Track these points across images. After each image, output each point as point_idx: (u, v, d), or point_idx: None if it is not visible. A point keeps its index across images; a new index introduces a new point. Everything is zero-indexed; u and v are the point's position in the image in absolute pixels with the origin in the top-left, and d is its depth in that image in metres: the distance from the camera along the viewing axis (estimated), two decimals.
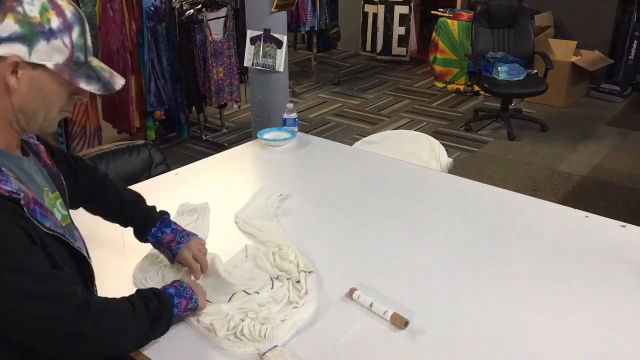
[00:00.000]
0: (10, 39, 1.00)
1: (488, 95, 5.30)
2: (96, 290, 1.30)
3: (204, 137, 4.68)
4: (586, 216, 1.79)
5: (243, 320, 1.29)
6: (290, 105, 2.43)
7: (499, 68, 4.70)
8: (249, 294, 1.39)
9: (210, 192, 1.95)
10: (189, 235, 1.48)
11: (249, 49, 3.22)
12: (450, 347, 1.26)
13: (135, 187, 2.01)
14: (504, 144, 4.61)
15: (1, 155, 1.06)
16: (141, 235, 1.48)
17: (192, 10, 4.18)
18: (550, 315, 1.35)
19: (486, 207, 1.86)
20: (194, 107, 4.54)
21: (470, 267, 1.54)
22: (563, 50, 5.24)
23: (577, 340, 1.27)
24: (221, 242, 1.65)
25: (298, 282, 1.44)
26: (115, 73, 1.16)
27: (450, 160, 2.70)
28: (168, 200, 1.89)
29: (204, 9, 4.20)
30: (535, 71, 4.84)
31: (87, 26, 1.10)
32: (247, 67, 3.39)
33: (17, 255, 1.00)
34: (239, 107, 4.76)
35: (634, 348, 1.25)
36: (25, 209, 1.04)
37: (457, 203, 1.89)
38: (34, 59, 1.03)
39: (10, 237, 1.00)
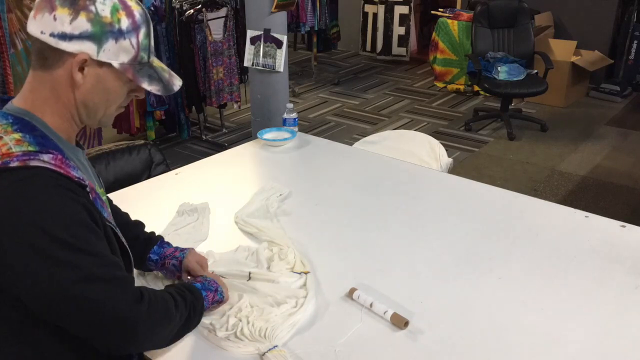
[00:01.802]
0: (82, 36, 1.03)
1: (488, 95, 5.31)
2: None
3: (204, 137, 4.68)
4: (586, 216, 1.79)
5: (241, 320, 1.30)
6: (290, 105, 2.43)
7: (499, 68, 4.70)
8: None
9: (210, 192, 1.95)
10: (186, 249, 1.49)
11: (249, 49, 3.22)
12: (450, 347, 1.26)
13: (135, 187, 2.02)
14: (504, 144, 4.61)
15: (63, 144, 1.09)
16: (144, 253, 1.45)
17: (192, 10, 4.18)
18: (550, 314, 1.35)
19: (486, 207, 1.86)
20: (194, 107, 4.54)
21: (470, 267, 1.54)
22: (563, 50, 5.24)
23: (577, 340, 1.27)
24: (221, 242, 1.65)
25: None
26: (173, 74, 1.18)
27: (450, 160, 2.70)
28: (168, 200, 1.89)
29: (204, 9, 4.20)
30: (535, 71, 4.84)
31: (152, 27, 1.13)
32: (247, 67, 3.39)
33: (86, 236, 1.02)
34: (239, 107, 4.76)
35: (634, 348, 1.25)
36: (90, 195, 1.08)
37: (457, 203, 1.89)
38: (102, 57, 1.06)
39: (81, 219, 1.02)
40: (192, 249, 1.48)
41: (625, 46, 5.68)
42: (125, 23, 1.06)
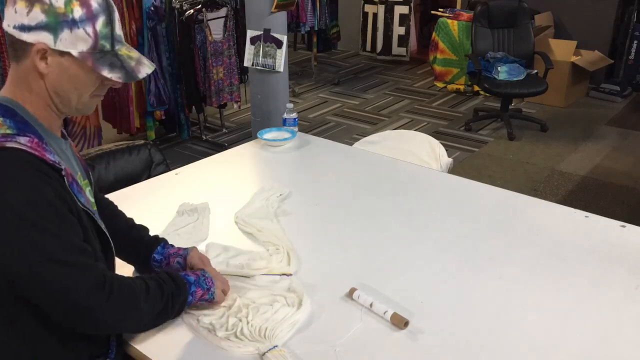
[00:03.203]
0: (38, 27, 1.08)
1: (488, 95, 5.31)
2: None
3: (204, 137, 4.68)
4: (586, 216, 1.79)
5: (241, 320, 1.30)
6: (290, 105, 2.43)
7: (499, 68, 4.70)
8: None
9: (210, 192, 1.95)
10: (189, 247, 1.49)
11: (249, 49, 3.22)
12: (450, 347, 1.26)
13: (135, 187, 2.03)
14: (504, 144, 4.61)
15: (44, 132, 1.14)
16: (147, 254, 1.45)
17: (192, 10, 4.18)
18: (550, 314, 1.35)
19: (486, 207, 1.86)
20: (194, 107, 4.54)
21: (470, 267, 1.54)
22: (563, 50, 5.24)
23: (577, 340, 1.27)
24: (221, 242, 1.65)
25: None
26: (144, 61, 1.19)
27: (450, 160, 2.70)
28: (168, 200, 1.89)
29: (204, 9, 4.20)
30: (535, 71, 4.84)
31: (115, 15, 1.15)
32: (247, 67, 3.39)
33: (54, 220, 1.06)
34: (239, 107, 4.75)
35: (634, 348, 1.25)
36: (65, 180, 1.11)
37: (457, 203, 1.89)
38: (59, 46, 1.09)
39: (51, 201, 1.06)
40: (195, 247, 1.49)
41: (625, 46, 5.68)
42: (78, 12, 1.09)
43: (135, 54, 1.18)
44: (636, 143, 4.60)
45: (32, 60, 1.10)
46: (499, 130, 4.87)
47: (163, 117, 4.42)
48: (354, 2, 6.85)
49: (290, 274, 1.49)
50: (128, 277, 1.21)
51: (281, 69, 3.21)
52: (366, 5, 6.74)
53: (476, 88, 5.52)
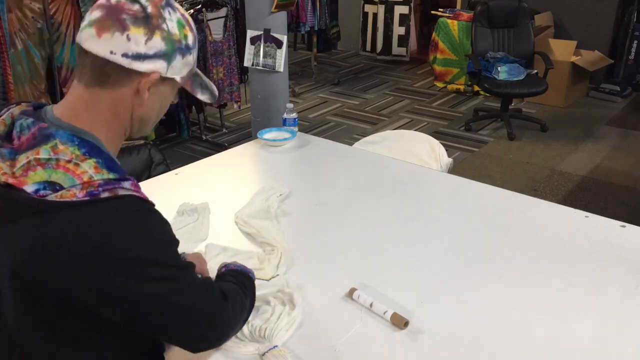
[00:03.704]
0: (156, 56, 1.02)
1: (488, 95, 5.31)
2: None
3: (204, 137, 4.68)
4: (586, 216, 1.79)
5: None
6: (290, 105, 2.43)
7: (499, 68, 4.70)
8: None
9: (210, 192, 1.95)
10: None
11: (249, 49, 3.22)
12: (450, 347, 1.26)
13: None
14: (504, 144, 4.61)
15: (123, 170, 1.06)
16: None
17: (192, 10, 4.18)
18: (550, 315, 1.35)
19: (486, 207, 1.86)
20: (194, 107, 4.54)
21: (470, 267, 1.54)
22: (563, 50, 5.24)
23: (577, 340, 1.27)
24: (221, 242, 1.65)
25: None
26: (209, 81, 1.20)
27: (450, 160, 2.70)
28: (168, 200, 1.89)
29: (204, 9, 4.20)
30: (535, 71, 4.84)
31: None
32: (247, 67, 3.39)
33: (175, 252, 1.04)
34: (239, 107, 4.75)
35: (634, 348, 1.25)
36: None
37: (457, 203, 1.89)
38: (169, 74, 1.06)
39: (171, 236, 1.03)
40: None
41: (625, 46, 5.68)
42: (190, 39, 1.08)
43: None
44: (636, 143, 4.60)
45: (134, 88, 1.03)
46: (499, 130, 4.87)
47: (163, 117, 4.40)
48: (354, 2, 6.85)
49: (269, 279, 1.47)
50: (223, 284, 1.21)
51: (281, 69, 3.21)
52: (366, 5, 6.74)
53: (476, 88, 5.52)
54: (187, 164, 2.22)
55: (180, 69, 1.07)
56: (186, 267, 1.06)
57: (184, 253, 1.44)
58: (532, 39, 4.92)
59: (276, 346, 1.22)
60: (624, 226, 1.72)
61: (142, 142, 2.32)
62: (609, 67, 5.65)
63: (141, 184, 2.03)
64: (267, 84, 3.30)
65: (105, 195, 0.94)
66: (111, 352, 1.08)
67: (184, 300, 1.02)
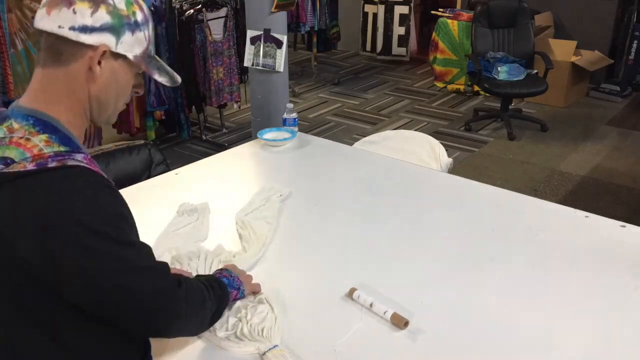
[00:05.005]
0: (102, 28, 1.05)
1: (488, 95, 5.30)
2: None
3: (204, 137, 4.68)
4: (586, 216, 1.79)
5: (241, 320, 1.30)
6: (290, 105, 2.43)
7: (499, 68, 4.70)
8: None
9: (210, 192, 1.95)
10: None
11: (249, 49, 3.22)
12: (450, 347, 1.26)
13: (135, 187, 2.02)
14: (504, 144, 4.61)
15: (86, 151, 1.09)
16: None
17: (192, 10, 4.18)
18: (550, 314, 1.35)
19: (486, 207, 1.86)
20: (194, 107, 4.54)
21: (470, 267, 1.54)
22: (563, 50, 5.24)
23: (577, 340, 1.27)
24: (221, 242, 1.65)
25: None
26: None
27: (450, 160, 2.70)
28: (168, 200, 1.89)
29: (204, 9, 4.20)
30: (535, 71, 4.84)
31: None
32: (247, 67, 3.39)
33: (127, 229, 1.04)
34: (239, 107, 4.75)
35: (634, 348, 1.25)
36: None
37: (457, 203, 1.89)
38: (120, 49, 1.07)
39: (121, 212, 1.04)
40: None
41: (625, 46, 5.68)
42: (139, 16, 1.09)
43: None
44: (636, 143, 4.60)
45: (86, 63, 1.05)
46: (499, 130, 4.87)
47: (163, 117, 4.42)
48: (354, 2, 6.85)
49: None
50: (188, 278, 1.21)
51: (281, 69, 3.21)
52: (366, 5, 6.74)
53: (476, 88, 5.52)
54: (187, 164, 2.22)
55: (131, 45, 1.08)
56: (133, 245, 1.05)
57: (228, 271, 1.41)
58: (532, 39, 4.92)
59: (276, 346, 1.22)
60: (624, 226, 1.72)
61: (142, 142, 2.32)
62: (609, 67, 5.65)
63: (141, 184, 2.06)
64: (267, 84, 3.30)
65: (53, 164, 0.98)
66: (87, 341, 1.07)
67: (129, 279, 1.02)
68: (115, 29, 1.06)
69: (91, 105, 1.11)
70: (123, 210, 1.05)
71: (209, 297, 1.20)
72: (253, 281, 1.43)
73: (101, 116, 1.14)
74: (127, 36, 1.07)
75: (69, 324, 1.04)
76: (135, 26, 1.08)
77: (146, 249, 1.08)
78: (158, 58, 1.18)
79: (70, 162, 1.00)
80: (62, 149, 1.01)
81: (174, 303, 1.09)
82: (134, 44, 1.09)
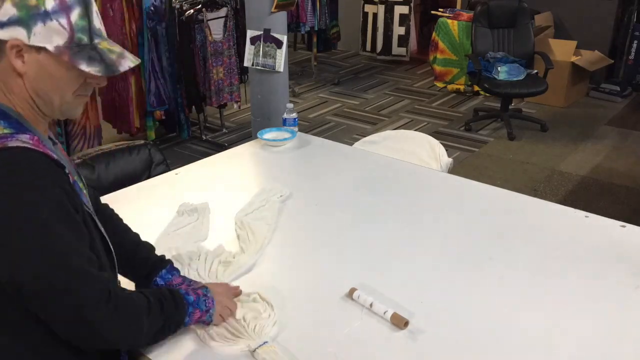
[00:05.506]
0: (10, 22, 1.02)
1: (488, 95, 5.30)
2: (119, 282, 1.29)
3: (204, 137, 4.67)
4: (586, 216, 1.79)
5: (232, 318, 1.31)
6: (290, 105, 2.43)
7: (499, 68, 4.70)
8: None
9: (210, 192, 1.95)
10: (196, 282, 1.41)
11: (249, 49, 3.22)
12: (450, 347, 1.26)
13: (135, 187, 2.02)
14: (504, 144, 4.60)
15: (38, 133, 1.09)
16: (150, 274, 1.38)
17: (192, 10, 4.18)
18: (550, 314, 1.35)
19: (486, 207, 1.86)
20: (194, 107, 4.54)
21: (470, 267, 1.54)
22: (563, 50, 5.24)
23: (577, 340, 1.27)
24: (221, 242, 1.64)
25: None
26: (127, 55, 1.13)
27: (450, 160, 2.70)
28: (168, 200, 1.89)
29: (204, 9, 4.20)
30: (535, 71, 4.83)
31: (93, 8, 1.09)
32: (247, 67, 3.39)
33: (64, 223, 1.02)
34: (239, 107, 4.75)
35: (634, 348, 1.25)
36: (69, 177, 1.08)
37: (457, 203, 1.89)
38: (34, 41, 1.04)
39: (61, 202, 1.03)
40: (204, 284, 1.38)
41: (625, 46, 5.68)
42: (50, 4, 1.03)
43: (117, 48, 1.12)
44: (636, 143, 4.60)
45: (8, 58, 1.04)
46: (499, 130, 4.87)
47: (163, 117, 4.42)
48: (354, 2, 6.85)
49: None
50: (131, 292, 1.17)
51: (281, 69, 3.21)
52: (366, 5, 6.74)
53: (476, 88, 5.52)
54: (187, 164, 2.22)
55: (46, 36, 1.04)
56: (68, 243, 1.01)
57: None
58: (532, 39, 4.92)
59: (266, 342, 1.23)
60: (624, 226, 1.72)
61: (142, 142, 2.32)
62: (609, 67, 5.65)
63: (141, 184, 2.06)
64: (267, 84, 3.30)
65: None
66: (44, 342, 1.07)
67: (52, 280, 0.99)
68: (23, 21, 1.02)
69: (34, 100, 1.09)
70: (63, 201, 1.03)
71: (149, 315, 1.14)
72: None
73: (50, 110, 1.12)
74: (39, 27, 1.03)
75: (25, 316, 1.04)
76: (45, 16, 1.03)
77: (81, 251, 1.04)
78: (104, 46, 1.10)
79: (12, 143, 1.00)
80: (6, 131, 1.02)
81: (93, 316, 1.03)
82: (49, 35, 1.04)
